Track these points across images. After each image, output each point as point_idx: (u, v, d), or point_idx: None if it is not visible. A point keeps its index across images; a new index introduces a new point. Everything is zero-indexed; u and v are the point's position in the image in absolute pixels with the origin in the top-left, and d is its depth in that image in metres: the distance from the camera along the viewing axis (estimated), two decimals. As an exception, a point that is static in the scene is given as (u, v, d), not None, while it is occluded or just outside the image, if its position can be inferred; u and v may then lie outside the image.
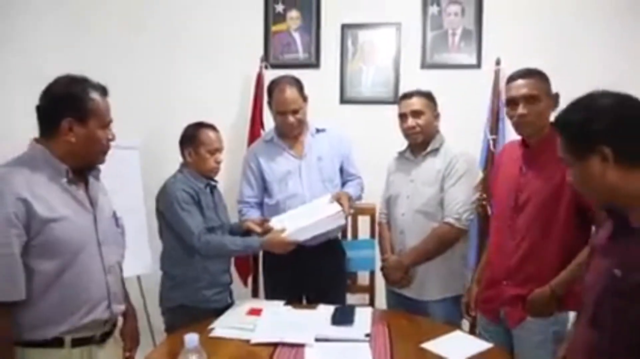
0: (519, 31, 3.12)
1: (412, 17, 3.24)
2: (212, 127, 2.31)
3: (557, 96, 1.93)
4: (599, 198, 1.28)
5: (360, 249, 2.70)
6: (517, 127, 1.96)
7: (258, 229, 2.30)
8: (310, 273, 2.40)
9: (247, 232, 2.35)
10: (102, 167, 1.72)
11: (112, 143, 1.65)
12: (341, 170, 2.58)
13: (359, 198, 2.60)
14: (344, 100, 3.33)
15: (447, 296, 2.27)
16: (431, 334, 1.87)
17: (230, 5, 3.35)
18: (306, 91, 2.54)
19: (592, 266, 1.31)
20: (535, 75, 1.94)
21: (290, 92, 2.40)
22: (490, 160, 2.88)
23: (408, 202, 2.33)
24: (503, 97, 2.42)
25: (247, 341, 1.82)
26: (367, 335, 1.84)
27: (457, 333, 1.93)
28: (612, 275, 1.16)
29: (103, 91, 1.59)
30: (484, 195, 2.48)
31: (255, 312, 2.09)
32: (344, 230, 2.88)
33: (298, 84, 2.46)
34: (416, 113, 2.29)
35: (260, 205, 2.54)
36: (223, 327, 1.95)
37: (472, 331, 2.19)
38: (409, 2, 3.24)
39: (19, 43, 3.00)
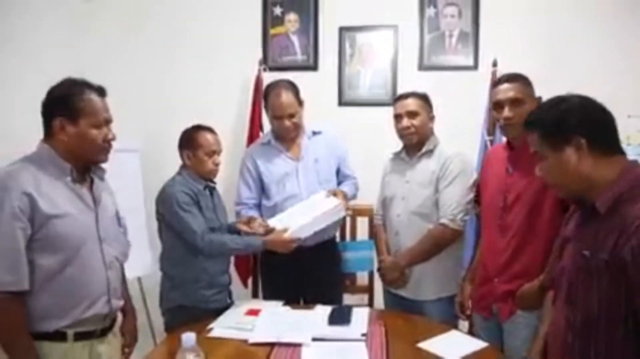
0: (515, 33, 3.15)
1: (409, 19, 3.27)
2: (210, 130, 2.34)
3: (540, 99, 1.98)
4: (572, 188, 1.38)
5: (359, 250, 2.72)
6: (504, 129, 2.03)
7: (245, 228, 2.32)
8: (307, 274, 2.42)
9: (238, 233, 2.38)
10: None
11: (114, 146, 1.70)
12: (337, 172, 2.61)
13: (354, 196, 2.64)
14: (342, 102, 3.36)
15: (442, 296, 2.30)
16: (427, 333, 1.89)
17: (228, 8, 3.37)
18: (304, 93, 2.57)
19: (566, 253, 1.43)
20: (519, 79, 2.01)
21: (286, 97, 2.43)
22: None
23: (403, 203, 2.36)
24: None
25: (245, 340, 1.84)
26: (364, 335, 1.86)
27: (452, 333, 1.95)
28: (583, 256, 1.31)
29: (99, 91, 1.64)
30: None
31: (254, 312, 2.11)
32: (342, 230, 2.92)
33: (294, 88, 2.48)
34: (411, 114, 2.32)
35: (258, 206, 2.56)
36: (221, 327, 1.97)
37: (470, 331, 2.21)
38: (406, 5, 3.27)
39: (19, 43, 3.01)
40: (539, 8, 3.13)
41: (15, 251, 1.46)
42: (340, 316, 2.02)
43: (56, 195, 1.54)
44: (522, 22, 3.15)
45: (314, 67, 3.36)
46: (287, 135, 2.50)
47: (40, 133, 2.53)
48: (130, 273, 2.52)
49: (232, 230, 2.40)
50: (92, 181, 1.69)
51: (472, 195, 2.29)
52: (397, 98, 2.44)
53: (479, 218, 2.43)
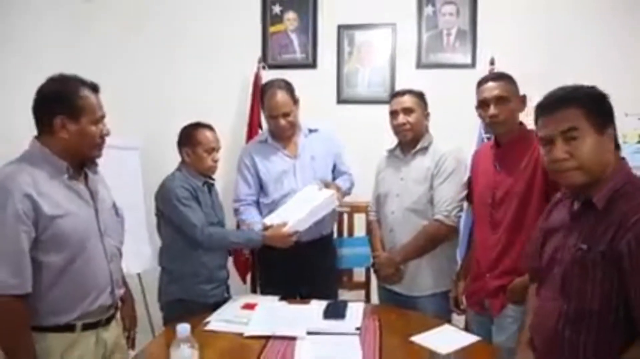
0: (512, 31, 3.17)
1: (408, 18, 3.29)
2: (209, 127, 2.38)
3: (524, 98, 2.06)
4: (593, 173, 1.33)
5: (356, 246, 2.74)
6: (490, 126, 2.09)
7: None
8: (304, 269, 2.45)
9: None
10: (102, 166, 1.79)
11: (114, 144, 1.76)
12: (333, 168, 2.65)
13: (349, 191, 2.67)
14: (340, 100, 3.38)
15: (436, 292, 2.33)
16: (420, 328, 1.92)
17: (228, 6, 3.40)
18: (303, 91, 2.60)
19: (553, 245, 1.46)
20: (504, 78, 2.06)
21: (281, 96, 2.46)
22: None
23: (398, 200, 2.38)
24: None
25: (241, 334, 1.87)
26: (358, 329, 1.89)
27: (445, 327, 1.97)
28: (579, 249, 1.34)
29: (93, 88, 1.65)
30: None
31: (250, 306, 2.14)
32: (339, 227, 2.95)
33: (289, 87, 2.51)
34: (407, 111, 2.35)
35: (257, 203, 2.58)
36: (218, 320, 2.00)
37: (467, 327, 2.23)
38: (404, 3, 3.29)
39: (19, 43, 3.05)
40: (536, 7, 3.15)
41: (19, 254, 1.47)
42: (335, 311, 2.05)
43: (56, 195, 1.56)
44: (519, 20, 3.17)
45: (312, 65, 3.39)
46: (282, 133, 2.53)
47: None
48: (130, 269, 2.57)
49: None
50: (86, 177, 1.71)
51: (465, 192, 2.32)
52: (393, 95, 2.47)
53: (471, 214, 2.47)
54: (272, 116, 2.49)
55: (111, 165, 1.80)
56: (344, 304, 2.15)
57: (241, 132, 3.30)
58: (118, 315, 1.84)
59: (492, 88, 2.04)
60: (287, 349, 1.74)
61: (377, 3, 3.31)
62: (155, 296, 2.35)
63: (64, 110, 1.57)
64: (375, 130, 2.76)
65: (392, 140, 2.52)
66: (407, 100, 2.37)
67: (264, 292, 2.59)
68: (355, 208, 2.94)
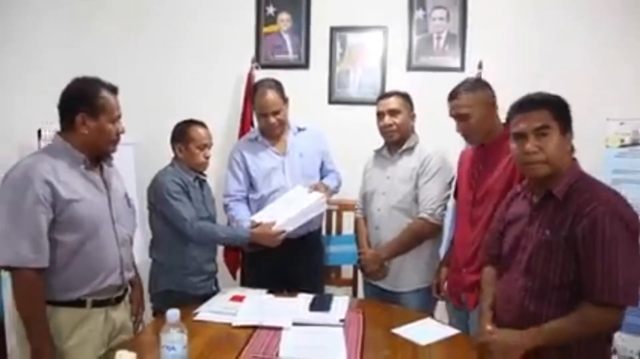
0: (500, 36, 3.25)
1: (399, 21, 3.36)
2: (201, 124, 2.43)
3: (494, 98, 2.15)
4: (556, 167, 1.56)
5: (344, 244, 2.81)
6: (464, 139, 2.22)
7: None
8: (291, 265, 2.50)
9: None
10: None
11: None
12: (321, 166, 2.71)
13: (337, 189, 2.73)
14: (332, 101, 3.45)
15: (420, 287, 2.40)
16: (402, 321, 1.99)
17: (222, 7, 3.46)
18: (295, 91, 2.66)
19: (515, 232, 1.69)
20: (467, 90, 2.13)
21: (271, 95, 2.51)
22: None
23: (384, 198, 2.45)
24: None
25: (229, 324, 1.93)
26: (342, 321, 1.95)
27: (426, 320, 2.04)
28: (543, 234, 1.57)
29: (113, 90, 1.83)
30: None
31: (238, 298, 2.19)
32: (328, 224, 3.01)
33: (278, 87, 2.57)
34: (393, 112, 2.42)
35: (247, 199, 2.63)
36: (207, 311, 2.05)
37: (450, 322, 2.30)
38: (396, 7, 3.36)
39: (19, 43, 3.08)
40: (523, 13, 3.24)
41: (38, 232, 1.63)
42: (320, 304, 2.11)
43: (73, 182, 1.73)
44: (507, 26, 3.25)
45: (305, 66, 3.45)
46: (272, 131, 2.58)
47: (49, 125, 2.62)
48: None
49: None
50: (101, 168, 1.87)
51: (450, 191, 2.39)
52: (379, 97, 2.54)
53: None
54: (262, 114, 2.55)
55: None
56: (330, 297, 2.21)
57: (234, 129, 3.36)
58: (127, 298, 2.00)
59: (453, 107, 2.15)
60: (272, 339, 1.80)
61: (369, 6, 3.38)
62: (145, 287, 2.40)
63: (85, 108, 1.75)
64: (365, 130, 2.81)
65: (382, 141, 2.58)
66: (393, 102, 2.44)
67: (251, 286, 2.63)
68: (343, 206, 3.00)
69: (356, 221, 2.70)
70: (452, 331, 1.93)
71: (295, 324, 1.91)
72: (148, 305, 2.30)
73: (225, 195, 2.64)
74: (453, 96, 2.16)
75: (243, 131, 3.26)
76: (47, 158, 1.71)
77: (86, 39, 3.47)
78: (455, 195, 2.40)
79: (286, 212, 2.38)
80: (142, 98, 3.40)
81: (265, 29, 3.46)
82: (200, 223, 2.31)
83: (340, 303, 2.13)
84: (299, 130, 2.67)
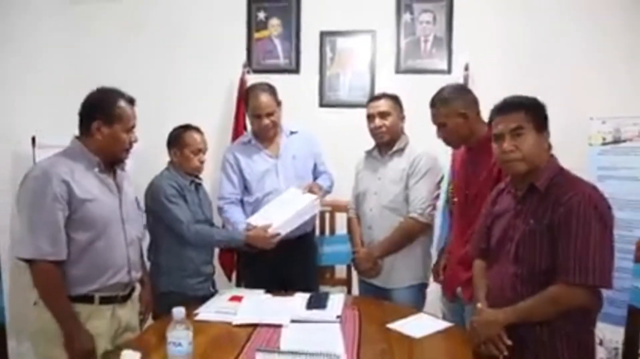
0: (486, 39, 3.34)
1: (387, 25, 3.44)
2: (196, 129, 2.49)
3: (476, 102, 2.23)
4: (533, 164, 1.69)
5: (337, 244, 2.87)
6: (447, 145, 2.30)
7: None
8: (285, 266, 2.54)
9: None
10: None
11: None
12: (314, 168, 2.76)
13: (329, 189, 2.78)
14: (322, 104, 3.52)
15: (411, 284, 2.47)
16: (397, 316, 2.05)
17: (214, 13, 3.52)
18: (287, 95, 2.71)
19: (502, 226, 1.80)
20: (443, 100, 2.22)
21: (265, 97, 2.56)
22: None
23: (376, 198, 2.52)
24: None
25: (229, 323, 1.98)
26: (338, 317, 2.01)
27: (420, 315, 2.10)
28: (528, 224, 1.69)
29: (130, 101, 1.95)
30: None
31: (237, 299, 2.24)
32: (321, 225, 3.07)
33: (272, 90, 2.62)
34: (383, 114, 2.49)
35: (241, 201, 2.66)
36: (207, 312, 2.10)
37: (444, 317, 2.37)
38: (384, 11, 3.44)
39: (19, 43, 3.11)
40: (508, 17, 3.33)
41: (56, 228, 1.75)
42: (317, 301, 2.16)
43: (87, 183, 1.84)
44: (492, 29, 3.34)
45: (296, 70, 3.52)
46: (266, 133, 2.62)
47: (38, 132, 2.67)
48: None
49: None
50: (115, 172, 1.98)
51: (439, 191, 2.47)
52: (369, 100, 2.61)
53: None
54: (256, 115, 2.58)
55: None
56: (326, 295, 2.27)
57: (227, 133, 3.40)
58: (135, 297, 2.08)
59: (433, 116, 2.24)
60: (272, 336, 1.85)
61: (358, 11, 3.45)
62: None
63: (102, 116, 1.87)
64: (356, 132, 2.87)
65: (372, 142, 2.63)
66: (383, 104, 2.50)
67: (248, 288, 2.68)
68: (336, 208, 3.06)
69: (349, 221, 2.76)
70: (446, 324, 1.99)
71: (293, 321, 1.97)
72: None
73: (219, 198, 2.66)
74: (431, 105, 2.26)
75: (236, 135, 3.30)
76: (65, 160, 1.84)
77: (81, 45, 3.51)
78: (454, 193, 2.48)
79: (281, 214, 2.42)
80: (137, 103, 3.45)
81: (256, 34, 3.52)
82: (197, 226, 2.36)
83: (336, 300, 2.19)
84: (291, 133, 2.71)
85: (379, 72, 3.47)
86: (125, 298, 1.99)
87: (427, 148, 2.51)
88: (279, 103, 2.64)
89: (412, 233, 2.44)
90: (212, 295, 2.38)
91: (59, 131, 2.99)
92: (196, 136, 2.46)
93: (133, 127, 1.93)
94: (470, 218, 2.17)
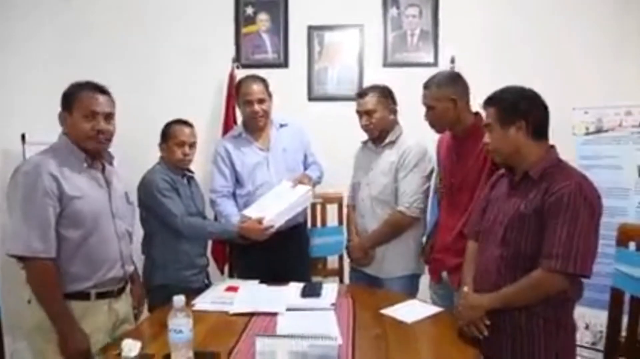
0: (471, 32, 3.41)
1: (374, 19, 3.49)
2: (183, 122, 2.50)
3: (467, 92, 2.30)
4: (505, 155, 1.81)
5: (327, 236, 2.94)
6: (430, 126, 2.36)
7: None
8: (278, 257, 2.57)
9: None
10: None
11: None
12: (304, 159, 2.81)
13: (319, 179, 2.82)
14: (311, 98, 3.55)
15: (402, 275, 2.53)
16: (389, 302, 2.11)
17: (202, 9, 3.53)
18: (276, 90, 2.74)
19: (495, 209, 1.87)
20: (437, 84, 2.28)
21: (256, 85, 2.60)
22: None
23: (367, 189, 2.58)
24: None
25: (226, 312, 2.02)
26: (333, 304, 2.06)
27: (412, 301, 2.17)
28: (518, 209, 1.75)
29: (96, 88, 1.90)
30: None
31: (233, 289, 2.29)
32: (313, 217, 3.11)
33: (264, 81, 2.66)
34: (369, 112, 2.52)
35: (233, 194, 2.69)
36: (203, 302, 2.14)
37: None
38: (371, 5, 3.48)
39: (9, 42, 3.11)
40: (492, 10, 3.40)
41: (46, 224, 1.74)
42: (311, 290, 2.21)
43: (76, 179, 1.84)
44: (477, 23, 3.41)
45: (284, 64, 3.55)
46: (257, 121, 2.64)
47: (28, 129, 2.67)
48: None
49: None
50: (103, 167, 1.98)
51: (429, 183, 2.52)
52: (358, 95, 2.62)
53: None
54: (247, 101, 2.60)
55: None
56: (320, 284, 2.32)
57: (217, 128, 3.43)
58: (129, 290, 2.10)
59: (424, 97, 2.30)
60: (269, 323, 1.90)
61: (345, 5, 3.49)
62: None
63: (65, 107, 1.88)
64: (344, 125, 2.91)
65: (361, 134, 2.67)
66: (369, 102, 2.52)
67: (241, 279, 2.71)
68: (327, 199, 3.11)
69: (347, 209, 2.84)
70: (436, 309, 2.06)
71: (289, 309, 2.02)
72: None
73: (211, 191, 2.68)
74: (425, 86, 2.31)
75: (226, 129, 3.33)
76: (54, 156, 1.83)
77: (70, 43, 3.51)
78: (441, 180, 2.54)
79: (275, 207, 2.45)
80: (124, 99, 3.44)
81: (244, 29, 3.54)
82: (190, 219, 2.39)
83: (330, 289, 2.24)
84: (281, 126, 2.75)
85: (366, 65, 3.51)
86: (120, 292, 2.00)
87: (417, 140, 2.55)
88: (270, 95, 2.67)
89: (399, 227, 2.50)
90: (206, 286, 2.42)
91: (49, 128, 3.00)
92: (178, 128, 2.46)
93: (95, 113, 1.85)
94: (456, 206, 2.25)
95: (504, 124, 1.76)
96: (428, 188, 2.54)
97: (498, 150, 1.82)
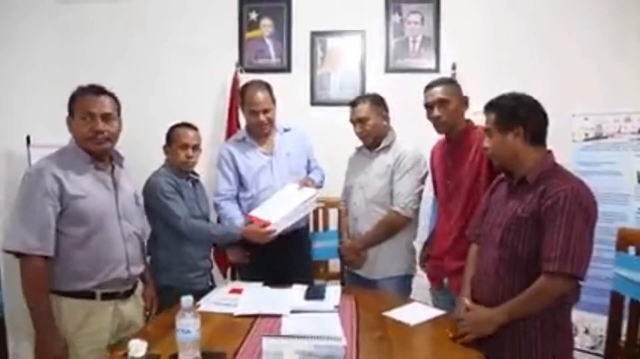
0: (472, 39, 3.45)
1: (376, 25, 3.53)
2: (187, 125, 2.53)
3: (467, 99, 2.34)
4: (504, 160, 1.86)
5: (328, 239, 2.96)
6: (435, 127, 2.36)
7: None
8: (281, 260, 2.60)
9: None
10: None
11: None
12: (307, 164, 2.84)
13: (321, 183, 2.85)
14: (314, 102, 3.59)
15: (395, 275, 2.57)
16: (392, 305, 2.13)
17: (206, 13, 3.57)
18: (279, 94, 2.76)
19: (495, 213, 1.91)
20: (446, 82, 2.33)
21: (262, 94, 2.62)
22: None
23: (362, 192, 2.62)
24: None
25: (231, 314, 2.04)
26: (336, 307, 2.07)
27: (414, 304, 2.18)
28: (516, 212, 1.78)
29: (93, 90, 1.94)
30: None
31: (237, 291, 2.30)
32: (315, 221, 3.14)
33: (268, 87, 2.68)
34: (362, 120, 2.57)
35: (237, 198, 2.71)
36: (208, 304, 2.15)
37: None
38: (373, 11, 3.53)
39: (14, 43, 3.13)
40: (494, 17, 3.44)
41: (45, 223, 1.77)
42: (315, 293, 2.23)
43: (81, 180, 1.88)
44: (478, 30, 3.45)
45: (287, 69, 3.58)
46: (261, 129, 2.67)
47: (33, 131, 2.69)
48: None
49: None
50: (113, 168, 2.01)
51: (423, 186, 2.56)
52: (351, 104, 2.66)
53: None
54: (253, 112, 2.63)
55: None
56: (323, 287, 2.34)
57: (220, 132, 3.46)
58: (138, 294, 2.11)
59: (434, 93, 2.31)
60: (274, 325, 1.91)
61: (348, 11, 3.54)
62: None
63: (69, 110, 1.94)
64: (346, 130, 2.94)
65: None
66: (362, 110, 2.58)
67: (244, 281, 2.73)
68: (329, 204, 3.14)
69: (339, 213, 2.88)
70: (439, 312, 2.07)
71: (293, 311, 2.03)
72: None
73: (215, 195, 2.71)
74: (432, 85, 2.34)
75: (229, 133, 3.35)
76: (60, 158, 1.89)
77: (75, 45, 3.55)
78: (436, 189, 2.57)
79: (280, 209, 2.48)
80: (126, 101, 3.47)
81: (248, 34, 3.58)
82: (193, 221, 2.42)
83: (333, 291, 2.25)
84: (285, 130, 2.78)
85: (368, 71, 3.56)
86: (127, 294, 2.02)
87: (414, 145, 2.60)
88: (274, 101, 2.70)
89: (394, 226, 2.54)
90: (210, 289, 2.44)
91: (54, 131, 3.03)
92: (181, 131, 2.50)
93: (92, 114, 1.89)
94: (451, 210, 2.29)
95: (503, 130, 1.81)
96: (422, 191, 2.59)
97: (497, 154, 1.87)
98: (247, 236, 2.46)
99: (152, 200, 2.40)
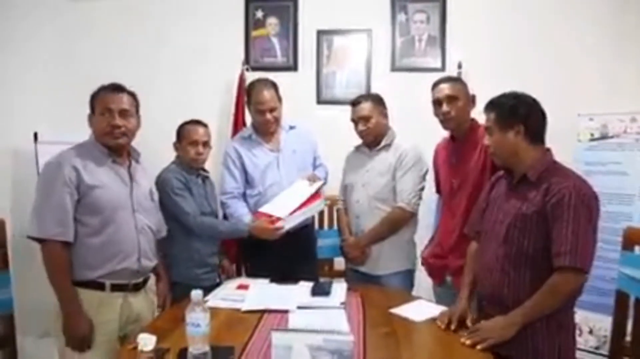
0: (478, 38, 3.46)
1: (382, 24, 3.55)
2: (197, 122, 2.55)
3: (474, 97, 2.36)
4: (504, 157, 1.88)
5: (332, 237, 2.96)
6: (443, 123, 2.37)
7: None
8: (286, 257, 2.59)
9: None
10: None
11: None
12: (313, 161, 2.86)
13: (325, 180, 2.85)
14: (320, 101, 3.60)
15: (398, 271, 2.59)
16: (398, 302, 2.14)
17: (213, 12, 3.59)
18: (285, 93, 2.77)
19: (495, 209, 1.94)
20: (454, 79, 2.37)
21: (268, 92, 2.64)
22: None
23: (364, 190, 2.64)
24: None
25: (238, 309, 2.06)
26: (343, 303, 2.09)
27: (419, 301, 2.21)
28: (519, 208, 1.81)
29: (113, 88, 2.04)
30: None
31: (244, 287, 2.32)
32: (320, 219, 3.15)
33: (274, 86, 2.70)
34: (364, 118, 2.61)
35: (244, 195, 2.72)
36: (215, 299, 2.17)
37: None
38: (379, 10, 3.54)
39: (20, 41, 3.16)
40: (499, 16, 3.45)
41: (64, 210, 1.87)
42: (321, 289, 2.24)
43: (98, 172, 1.97)
44: (484, 29, 3.46)
45: (293, 68, 3.60)
46: (268, 128, 2.69)
47: (40, 128, 2.71)
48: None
49: None
50: (130, 163, 2.09)
51: (424, 183, 2.59)
52: (352, 104, 2.69)
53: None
54: (259, 110, 2.65)
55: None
56: (329, 283, 2.36)
57: (226, 130, 3.48)
58: (149, 288, 2.15)
59: (444, 89, 2.34)
60: (281, 320, 1.93)
61: (354, 10, 3.55)
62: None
63: (90, 108, 2.04)
64: (352, 128, 2.96)
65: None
66: (364, 108, 2.61)
67: (250, 277, 2.74)
68: (334, 202, 3.13)
69: (338, 212, 2.89)
70: (444, 309, 2.07)
71: (300, 307, 2.05)
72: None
73: (222, 193, 2.71)
74: (441, 82, 2.36)
75: (235, 130, 3.37)
76: (79, 151, 1.98)
77: (82, 43, 3.57)
78: (438, 187, 2.59)
79: (290, 205, 2.51)
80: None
81: (254, 33, 3.59)
82: (202, 218, 2.44)
83: (339, 288, 2.27)
84: (291, 128, 2.80)
85: (374, 69, 3.57)
86: (137, 287, 2.05)
87: (416, 144, 2.63)
88: (280, 99, 2.71)
89: (398, 222, 2.57)
90: (217, 285, 2.45)
91: (61, 127, 3.05)
92: (191, 128, 2.51)
93: (109, 110, 1.99)
94: (455, 208, 2.31)
95: (503, 128, 1.84)
96: (423, 188, 2.62)
97: (497, 152, 1.89)
98: (256, 233, 2.47)
99: (162, 196, 2.40)
